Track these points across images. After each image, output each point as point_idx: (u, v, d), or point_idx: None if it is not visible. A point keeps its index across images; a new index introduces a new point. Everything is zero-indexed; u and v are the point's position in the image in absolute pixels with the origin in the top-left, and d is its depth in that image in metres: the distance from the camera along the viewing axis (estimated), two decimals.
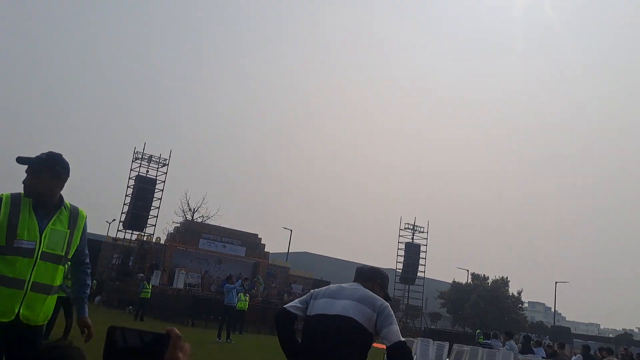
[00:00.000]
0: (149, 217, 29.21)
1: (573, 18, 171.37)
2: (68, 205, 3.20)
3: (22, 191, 3.05)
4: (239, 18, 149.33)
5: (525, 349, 13.23)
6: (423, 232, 40.20)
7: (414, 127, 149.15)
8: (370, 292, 3.13)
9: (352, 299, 3.03)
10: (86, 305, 3.34)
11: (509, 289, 52.05)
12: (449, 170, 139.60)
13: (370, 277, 3.32)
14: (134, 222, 28.61)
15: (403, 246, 39.79)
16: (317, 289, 3.28)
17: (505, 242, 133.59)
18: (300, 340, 3.08)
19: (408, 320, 38.44)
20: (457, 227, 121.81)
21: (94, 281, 28.55)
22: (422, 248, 39.86)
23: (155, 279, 26.75)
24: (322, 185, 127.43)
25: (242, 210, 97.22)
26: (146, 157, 29.43)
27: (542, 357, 11.79)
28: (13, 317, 2.85)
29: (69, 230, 3.10)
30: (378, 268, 3.49)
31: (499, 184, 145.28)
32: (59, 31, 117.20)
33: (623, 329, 76.42)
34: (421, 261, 39.59)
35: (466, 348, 11.55)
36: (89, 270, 3.39)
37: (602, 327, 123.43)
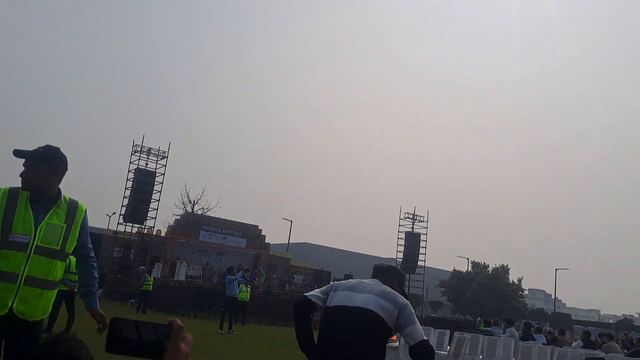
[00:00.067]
0: (149, 209, 29.22)
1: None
2: (67, 199, 3.17)
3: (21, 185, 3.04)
4: (238, 12, 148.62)
5: (526, 336, 13.30)
6: (423, 221, 40.27)
7: (413, 116, 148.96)
8: (390, 288, 3.16)
9: (373, 293, 3.06)
10: (97, 297, 3.31)
11: (509, 277, 52.29)
12: (448, 159, 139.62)
13: (390, 274, 3.36)
14: (134, 215, 28.62)
15: (403, 235, 39.86)
16: (337, 282, 3.32)
17: (505, 230, 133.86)
18: (318, 331, 3.10)
19: None
20: (457, 215, 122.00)
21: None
22: (422, 237, 39.93)
23: (156, 272, 26.80)
24: (322, 176, 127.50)
25: (242, 202, 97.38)
26: (145, 149, 29.39)
27: (543, 344, 11.84)
28: (7, 311, 2.84)
29: (65, 225, 3.07)
30: (396, 266, 3.55)
31: (498, 172, 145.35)
32: (58, 25, 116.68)
33: (623, 315, 76.91)
34: (421, 250, 39.68)
35: (467, 336, 11.59)
36: (95, 264, 3.36)
37: (602, 313, 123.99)
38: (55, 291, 3.13)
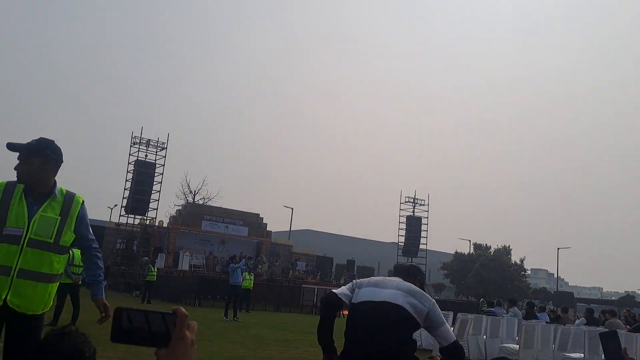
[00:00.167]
0: (151, 201, 29.27)
1: None
2: (64, 191, 3.16)
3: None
4: (233, 2, 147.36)
5: (529, 315, 13.36)
6: (424, 204, 40.31)
7: (412, 100, 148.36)
8: (415, 286, 3.19)
9: (399, 289, 3.09)
10: (102, 287, 3.31)
11: (512, 257, 52.41)
12: (447, 142, 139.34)
13: (412, 273, 3.38)
14: (135, 206, 28.68)
15: (404, 220, 39.92)
16: (359, 279, 3.35)
17: (507, 211, 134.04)
18: (345, 327, 3.12)
19: None
20: (458, 198, 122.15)
21: None
22: (424, 221, 40.01)
23: (160, 262, 26.93)
24: (322, 163, 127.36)
25: (242, 191, 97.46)
26: (144, 141, 29.34)
27: (546, 322, 11.91)
28: (1, 304, 2.85)
29: (60, 217, 3.05)
30: (417, 265, 3.61)
31: (498, 154, 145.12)
32: (56, 16, 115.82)
33: (625, 291, 77.28)
34: (423, 234, 39.77)
35: (470, 317, 11.67)
36: (99, 254, 3.35)
37: (604, 290, 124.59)
38: (55, 284, 3.11)
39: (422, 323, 3.02)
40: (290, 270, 33.55)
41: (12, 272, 2.88)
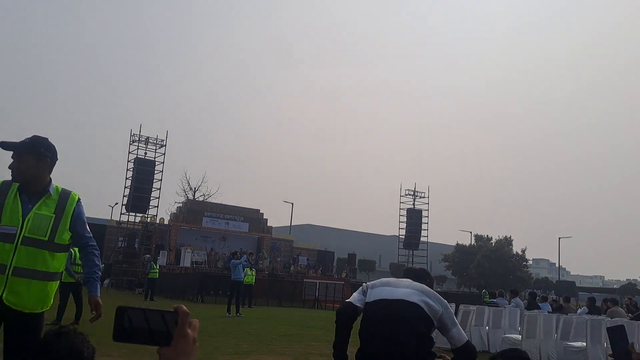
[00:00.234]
0: (151, 198, 29.28)
1: None
2: (59, 189, 3.15)
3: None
4: (235, 3, 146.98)
5: (531, 305, 13.39)
6: (424, 197, 40.33)
7: (410, 92, 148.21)
8: (427, 287, 3.22)
9: (412, 288, 3.12)
10: (98, 284, 3.29)
11: (513, 248, 52.50)
12: (446, 134, 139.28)
13: (422, 276, 3.41)
14: (136, 204, 28.70)
15: (405, 212, 39.96)
16: (370, 282, 3.37)
17: (507, 202, 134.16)
18: (360, 326, 3.13)
19: None
20: (458, 190, 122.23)
21: (102, 265, 28.81)
22: (424, 213, 40.03)
23: (162, 259, 27.01)
24: (321, 157, 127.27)
25: (242, 187, 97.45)
26: (143, 139, 29.33)
27: (548, 312, 11.93)
28: None
29: (54, 215, 3.04)
30: (427, 270, 3.65)
31: (497, 145, 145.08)
32: (53, 15, 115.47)
33: (627, 279, 77.46)
34: (423, 226, 39.80)
35: (473, 308, 11.70)
36: (96, 251, 3.33)
37: (606, 278, 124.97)
38: (54, 283, 3.10)
39: (435, 323, 3.05)
40: (292, 265, 33.62)
41: (7, 271, 2.88)
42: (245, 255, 17.50)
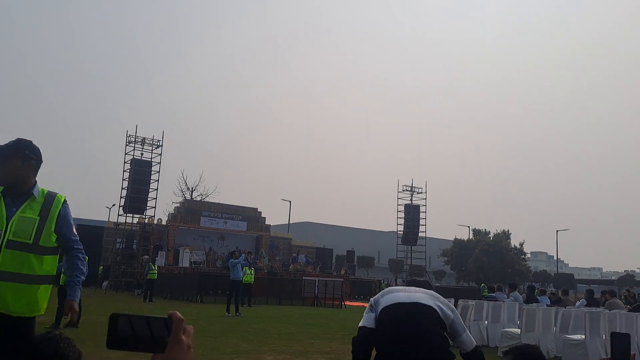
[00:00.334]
0: (148, 199, 29.23)
1: None
2: (44, 191, 3.12)
3: None
4: (234, 1, 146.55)
5: (530, 299, 13.40)
6: (421, 192, 40.38)
7: (406, 87, 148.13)
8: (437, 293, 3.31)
9: (425, 293, 3.20)
10: (77, 289, 3.22)
11: (511, 242, 52.60)
12: (443, 129, 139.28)
13: (426, 286, 3.46)
14: (133, 205, 28.64)
15: (402, 208, 40.00)
16: (376, 295, 3.39)
17: (505, 196, 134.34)
18: (377, 327, 3.15)
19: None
20: (456, 185, 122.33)
21: (101, 267, 28.73)
22: (422, 208, 40.10)
23: (160, 260, 26.95)
24: (317, 154, 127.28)
25: (240, 186, 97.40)
26: (139, 140, 29.27)
27: (547, 305, 11.95)
28: None
29: (39, 218, 3.00)
30: (428, 281, 3.77)
31: (493, 140, 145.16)
32: (47, 15, 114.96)
33: (625, 271, 77.60)
34: (421, 221, 39.89)
35: (471, 302, 11.71)
36: (80, 255, 3.26)
37: (604, 270, 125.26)
38: (44, 286, 3.05)
39: (447, 328, 3.12)
40: (292, 264, 33.62)
41: None
42: (243, 255, 17.49)
